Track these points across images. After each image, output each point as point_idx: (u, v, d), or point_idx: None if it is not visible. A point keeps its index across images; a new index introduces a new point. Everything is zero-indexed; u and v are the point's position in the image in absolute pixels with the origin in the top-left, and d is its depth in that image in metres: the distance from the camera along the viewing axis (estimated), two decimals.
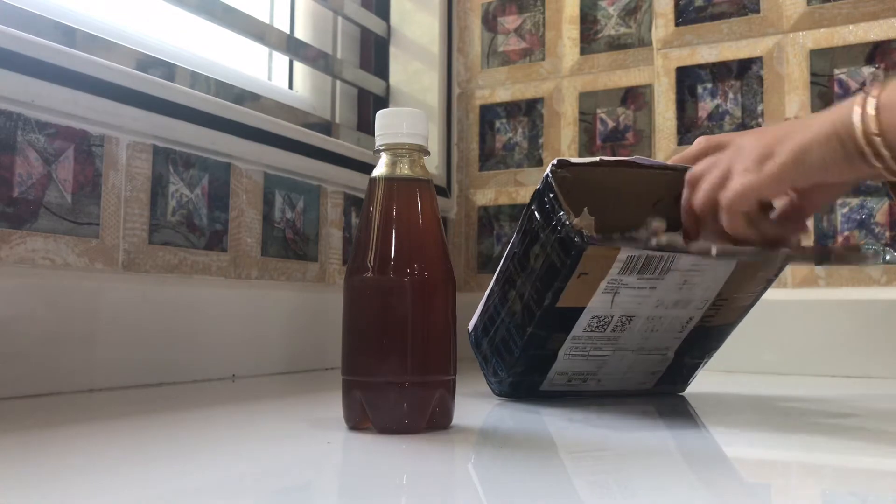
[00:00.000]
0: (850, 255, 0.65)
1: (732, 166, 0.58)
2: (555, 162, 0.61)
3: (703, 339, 0.68)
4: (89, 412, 0.59)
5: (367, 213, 0.51)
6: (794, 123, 0.57)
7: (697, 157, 0.62)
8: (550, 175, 0.60)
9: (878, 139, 0.51)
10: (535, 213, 0.61)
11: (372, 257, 0.50)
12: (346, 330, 0.51)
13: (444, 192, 1.22)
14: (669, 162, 0.65)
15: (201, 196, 0.83)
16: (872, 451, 0.48)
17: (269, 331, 0.89)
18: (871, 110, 0.51)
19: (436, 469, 0.41)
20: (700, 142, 0.63)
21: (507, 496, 0.36)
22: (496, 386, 0.68)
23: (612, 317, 0.63)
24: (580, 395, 0.69)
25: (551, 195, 0.60)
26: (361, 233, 0.51)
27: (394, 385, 0.48)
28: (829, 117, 0.53)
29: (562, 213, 0.59)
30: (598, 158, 0.62)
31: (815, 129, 0.54)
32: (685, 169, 0.62)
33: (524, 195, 1.21)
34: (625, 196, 0.62)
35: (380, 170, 0.51)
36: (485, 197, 1.24)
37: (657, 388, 0.71)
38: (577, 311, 0.61)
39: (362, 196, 0.54)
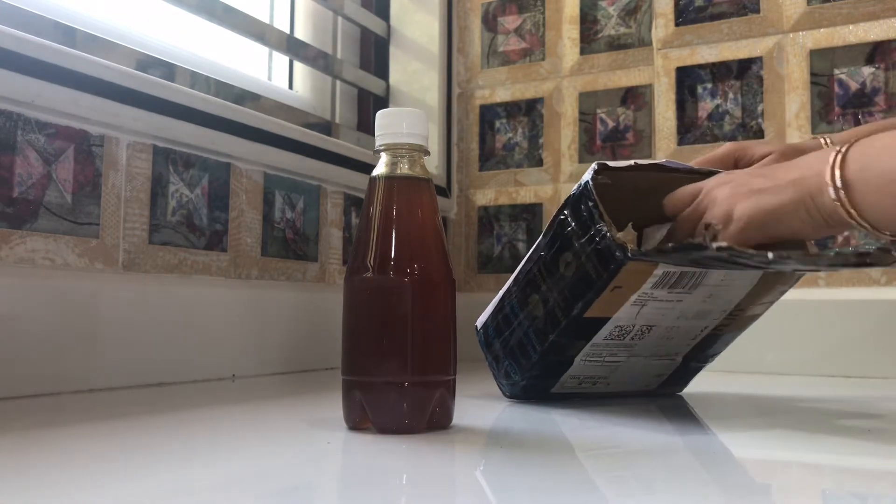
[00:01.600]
0: (884, 257, 0.62)
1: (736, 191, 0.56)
2: (595, 167, 0.59)
3: (711, 345, 0.68)
4: (89, 412, 0.59)
5: (367, 212, 0.51)
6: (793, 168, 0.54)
7: (723, 160, 0.62)
8: (591, 182, 0.58)
9: (855, 215, 0.50)
10: (570, 219, 0.59)
11: (372, 257, 0.50)
12: (346, 330, 0.51)
13: (444, 192, 1.22)
14: (695, 164, 0.65)
15: (201, 196, 0.83)
16: (873, 451, 0.48)
17: (269, 331, 0.89)
18: (839, 184, 0.50)
19: (436, 469, 0.41)
20: (727, 146, 0.63)
21: (508, 495, 0.36)
22: (507, 388, 0.67)
23: (634, 326, 0.62)
24: (586, 398, 0.68)
25: (590, 203, 0.58)
26: (361, 233, 0.51)
27: (394, 385, 0.48)
28: (797, 183, 0.52)
29: (601, 224, 0.57)
30: (632, 162, 0.61)
31: (784, 194, 0.52)
32: (710, 172, 0.62)
33: (524, 195, 1.21)
34: (653, 199, 0.61)
35: (380, 169, 0.51)
36: (485, 197, 1.24)
37: (659, 389, 0.71)
38: (602, 321, 0.60)
39: (362, 196, 0.54)
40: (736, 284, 0.62)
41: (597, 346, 0.63)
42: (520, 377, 0.65)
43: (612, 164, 0.60)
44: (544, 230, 0.62)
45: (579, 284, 0.58)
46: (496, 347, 0.67)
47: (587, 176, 0.59)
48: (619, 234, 0.56)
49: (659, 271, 0.57)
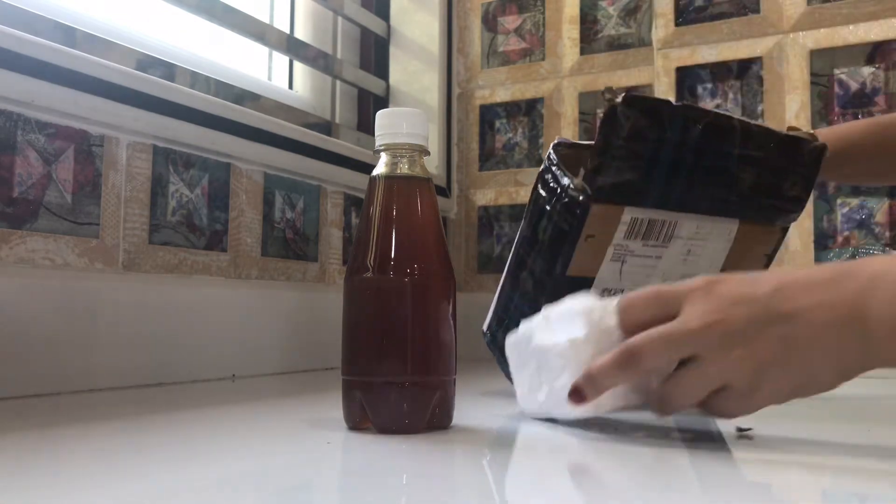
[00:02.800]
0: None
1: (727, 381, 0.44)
2: (556, 141, 0.65)
3: None
4: (89, 412, 0.59)
5: (367, 212, 0.51)
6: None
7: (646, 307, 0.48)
8: (552, 152, 0.63)
9: None
10: (540, 190, 0.63)
11: (372, 257, 0.50)
12: (346, 330, 0.51)
13: (444, 192, 1.22)
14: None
15: (201, 196, 0.83)
16: (872, 451, 0.48)
17: (269, 331, 0.89)
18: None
19: (436, 469, 0.41)
20: (650, 292, 0.48)
21: (508, 496, 0.36)
22: None
23: (623, 291, 0.64)
24: None
25: (553, 168, 0.62)
26: (361, 232, 0.51)
27: (394, 385, 0.48)
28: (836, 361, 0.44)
29: (565, 178, 0.61)
30: (592, 142, 0.65)
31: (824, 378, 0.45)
32: None
33: (524, 195, 1.21)
34: None
35: (380, 169, 0.51)
36: (485, 197, 1.24)
37: None
38: (587, 282, 0.63)
39: (362, 196, 0.54)
40: (711, 239, 0.65)
41: None
42: None
43: (574, 141, 0.66)
44: (524, 216, 0.66)
45: (556, 242, 0.62)
46: (500, 339, 0.67)
47: (549, 149, 0.65)
48: (577, 181, 0.60)
49: (626, 217, 0.61)
